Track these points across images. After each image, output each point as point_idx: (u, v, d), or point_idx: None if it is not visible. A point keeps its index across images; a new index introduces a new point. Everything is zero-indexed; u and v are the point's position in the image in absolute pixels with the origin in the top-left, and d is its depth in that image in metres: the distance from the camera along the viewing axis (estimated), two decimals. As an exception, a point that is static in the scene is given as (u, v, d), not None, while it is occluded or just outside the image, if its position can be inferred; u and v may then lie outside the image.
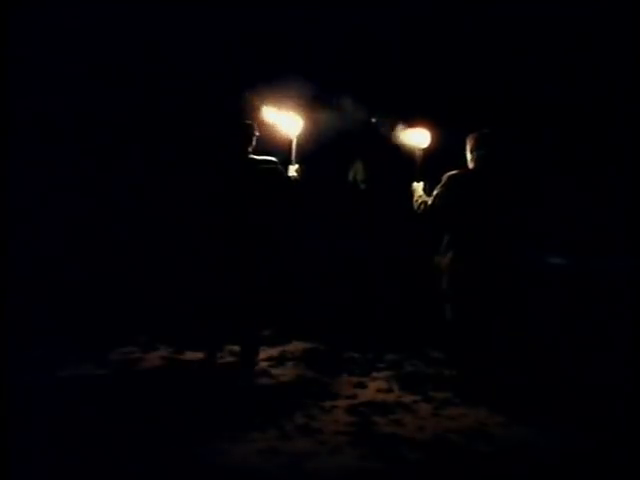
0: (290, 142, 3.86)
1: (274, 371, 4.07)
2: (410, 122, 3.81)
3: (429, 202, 3.62)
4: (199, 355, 4.15)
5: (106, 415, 3.29)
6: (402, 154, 3.94)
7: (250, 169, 3.78)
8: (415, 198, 3.75)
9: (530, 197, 3.60)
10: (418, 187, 3.76)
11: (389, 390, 3.76)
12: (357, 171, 4.29)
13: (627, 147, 3.85)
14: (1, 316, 3.68)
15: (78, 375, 3.91)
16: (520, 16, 4.30)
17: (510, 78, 4.35)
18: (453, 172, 3.60)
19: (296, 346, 4.58)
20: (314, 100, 4.10)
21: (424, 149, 3.80)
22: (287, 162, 3.87)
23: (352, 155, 4.32)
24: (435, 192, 3.61)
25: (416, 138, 3.81)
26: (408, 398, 3.61)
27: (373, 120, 4.10)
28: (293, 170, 3.86)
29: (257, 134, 3.84)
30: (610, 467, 2.80)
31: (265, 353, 4.30)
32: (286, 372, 4.07)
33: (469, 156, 3.62)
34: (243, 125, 3.83)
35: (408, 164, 3.90)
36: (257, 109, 3.85)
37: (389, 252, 4.35)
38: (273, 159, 3.83)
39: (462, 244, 3.58)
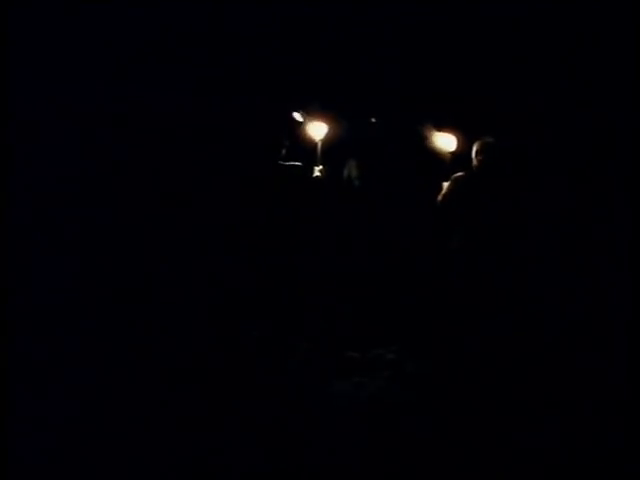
0: (315, 145, 4.33)
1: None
2: (439, 127, 4.26)
3: (441, 199, 4.10)
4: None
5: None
6: (397, 153, 4.36)
7: (279, 174, 4.26)
8: (440, 195, 4.15)
9: (528, 198, 4.01)
10: (445, 185, 4.16)
11: (389, 390, 3.84)
12: (351, 169, 4.59)
13: (628, 150, 4.10)
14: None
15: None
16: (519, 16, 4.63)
17: (513, 81, 4.67)
18: (459, 174, 4.09)
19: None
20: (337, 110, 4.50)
21: (452, 152, 4.22)
22: (312, 163, 4.33)
23: (346, 154, 4.63)
24: (443, 192, 4.09)
25: (444, 142, 4.24)
26: (408, 398, 3.70)
27: (373, 120, 4.49)
28: (317, 171, 4.32)
29: (287, 143, 4.33)
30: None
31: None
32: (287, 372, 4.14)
33: (474, 160, 4.08)
34: (274, 135, 4.32)
35: (405, 164, 4.33)
36: (289, 119, 4.37)
37: (388, 251, 4.57)
38: (299, 164, 4.32)
39: (465, 239, 4.01)
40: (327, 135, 4.33)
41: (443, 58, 4.78)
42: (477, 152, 4.06)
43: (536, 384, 3.70)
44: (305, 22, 4.83)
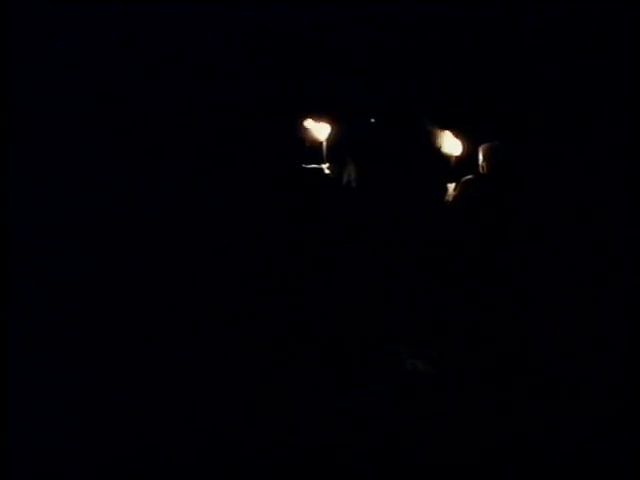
0: (321, 144, 4.43)
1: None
2: (445, 129, 4.36)
3: (450, 201, 4.24)
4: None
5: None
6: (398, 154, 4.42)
7: (304, 177, 4.40)
8: (446, 197, 4.28)
9: (535, 200, 4.17)
10: (450, 187, 4.30)
11: (389, 390, 3.82)
12: (350, 171, 4.60)
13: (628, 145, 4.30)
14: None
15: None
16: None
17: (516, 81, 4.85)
18: (468, 177, 4.24)
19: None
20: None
21: (457, 155, 4.34)
22: (319, 161, 4.44)
23: (345, 155, 4.64)
24: (453, 194, 4.24)
25: (450, 145, 4.36)
26: (408, 398, 3.70)
27: (372, 120, 4.54)
28: (325, 168, 4.44)
29: (307, 145, 4.43)
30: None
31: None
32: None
33: (481, 163, 4.23)
34: (296, 138, 4.43)
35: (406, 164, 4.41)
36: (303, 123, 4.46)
37: (387, 250, 4.60)
38: (320, 167, 4.44)
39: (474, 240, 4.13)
40: (331, 135, 4.44)
41: (448, 60, 4.89)
42: (485, 156, 4.21)
43: (537, 384, 3.76)
44: (307, 22, 4.87)
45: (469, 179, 4.22)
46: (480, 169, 4.20)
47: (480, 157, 4.20)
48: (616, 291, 4.06)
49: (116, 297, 4.42)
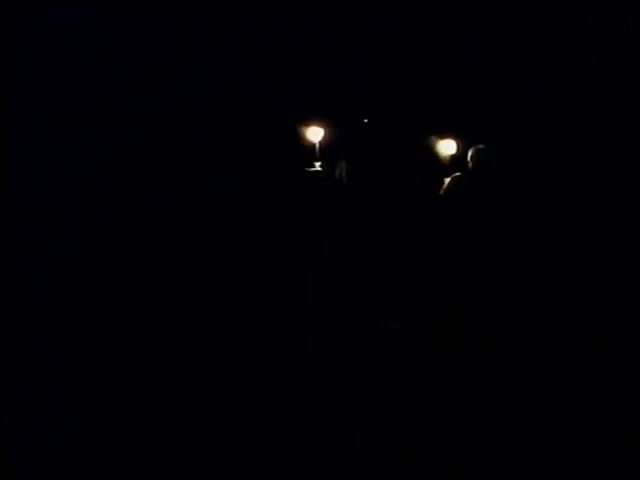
0: (314, 145, 4.75)
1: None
2: (440, 134, 4.72)
3: (442, 194, 4.49)
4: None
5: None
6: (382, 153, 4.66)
7: (304, 177, 4.54)
8: (441, 190, 4.53)
9: (520, 195, 4.41)
10: (445, 182, 4.56)
11: (389, 389, 3.75)
12: (342, 169, 4.86)
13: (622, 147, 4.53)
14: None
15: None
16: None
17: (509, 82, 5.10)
18: (457, 174, 4.54)
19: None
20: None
21: (452, 155, 4.74)
22: (313, 160, 4.69)
23: (338, 154, 4.88)
24: (445, 187, 4.49)
25: (445, 147, 4.76)
26: (408, 397, 3.65)
27: (365, 120, 4.79)
28: (318, 165, 4.67)
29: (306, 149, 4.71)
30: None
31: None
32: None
33: (470, 163, 4.55)
34: (298, 144, 4.72)
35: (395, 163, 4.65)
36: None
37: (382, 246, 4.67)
38: (319, 169, 4.65)
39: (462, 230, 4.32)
40: (324, 138, 4.76)
41: (443, 64, 5.14)
42: (471, 156, 4.56)
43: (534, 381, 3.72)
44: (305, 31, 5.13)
45: (458, 175, 4.50)
46: (471, 165, 4.48)
47: (469, 156, 4.52)
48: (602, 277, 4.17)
49: (116, 296, 4.43)
